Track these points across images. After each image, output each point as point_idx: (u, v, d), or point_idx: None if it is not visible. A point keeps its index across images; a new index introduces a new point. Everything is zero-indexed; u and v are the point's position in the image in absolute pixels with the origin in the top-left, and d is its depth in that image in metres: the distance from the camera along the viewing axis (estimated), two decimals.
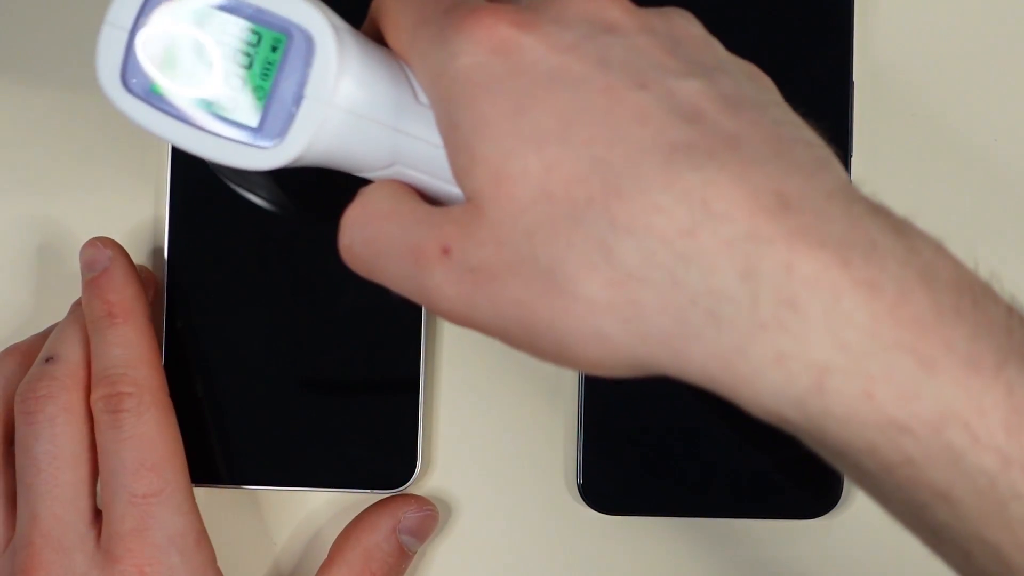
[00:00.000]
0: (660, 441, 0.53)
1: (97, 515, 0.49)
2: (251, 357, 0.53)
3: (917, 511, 0.35)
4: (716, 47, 0.40)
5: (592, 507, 0.53)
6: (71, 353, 0.50)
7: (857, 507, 0.53)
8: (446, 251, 0.38)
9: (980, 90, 0.54)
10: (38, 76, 0.54)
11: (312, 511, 0.54)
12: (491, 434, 0.54)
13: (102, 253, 0.51)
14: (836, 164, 0.38)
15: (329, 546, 0.52)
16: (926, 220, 0.54)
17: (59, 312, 0.52)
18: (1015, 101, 0.55)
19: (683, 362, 0.36)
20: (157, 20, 0.40)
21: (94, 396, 0.49)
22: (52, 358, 0.50)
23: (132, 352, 0.50)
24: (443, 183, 0.41)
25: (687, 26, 0.40)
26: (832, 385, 0.35)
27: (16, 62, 0.54)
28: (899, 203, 0.54)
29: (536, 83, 0.38)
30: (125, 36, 0.40)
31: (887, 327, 0.34)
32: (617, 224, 0.36)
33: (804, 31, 0.53)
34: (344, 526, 0.53)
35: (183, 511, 0.49)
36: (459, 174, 0.39)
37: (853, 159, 0.53)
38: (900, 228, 0.36)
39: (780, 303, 0.35)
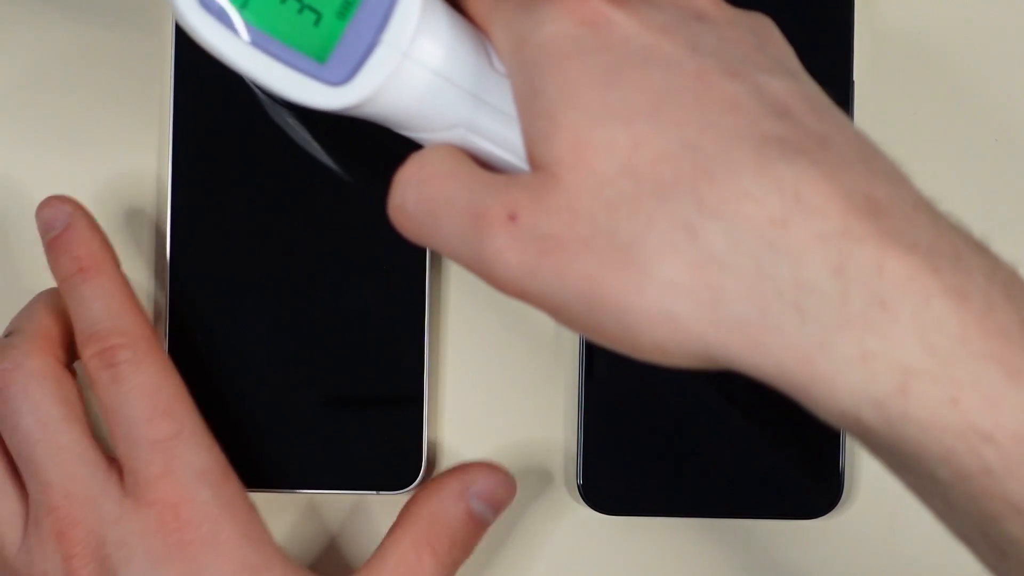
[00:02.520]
0: (660, 441, 0.53)
1: (110, 464, 0.48)
2: (253, 360, 0.52)
3: (986, 525, 0.35)
4: (793, 53, 0.41)
5: (592, 507, 0.53)
6: (29, 323, 0.49)
7: (857, 507, 0.53)
8: (513, 217, 0.38)
9: (981, 90, 0.54)
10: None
11: (317, 512, 0.54)
12: (492, 434, 0.54)
13: (60, 210, 0.50)
14: (911, 180, 0.38)
15: (336, 548, 0.52)
16: None
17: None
18: (1016, 102, 0.55)
19: (758, 353, 0.36)
20: None
21: (85, 356, 0.48)
22: (11, 333, 0.49)
23: (113, 303, 0.48)
24: (505, 152, 0.41)
25: (770, 28, 0.41)
26: (917, 388, 0.34)
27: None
28: None
29: (627, 60, 0.38)
30: None
31: (975, 336, 0.34)
32: (705, 207, 0.36)
33: (804, 31, 0.53)
34: (351, 528, 0.52)
35: (205, 446, 0.48)
36: (536, 140, 0.38)
37: None
38: (980, 245, 0.36)
39: (870, 302, 0.35)
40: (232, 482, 0.48)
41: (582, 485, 0.53)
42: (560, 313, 0.38)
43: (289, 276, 0.52)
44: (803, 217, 0.35)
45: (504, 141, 0.41)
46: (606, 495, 0.53)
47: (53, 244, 0.50)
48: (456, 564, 0.50)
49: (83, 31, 0.53)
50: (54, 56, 0.53)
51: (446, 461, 0.54)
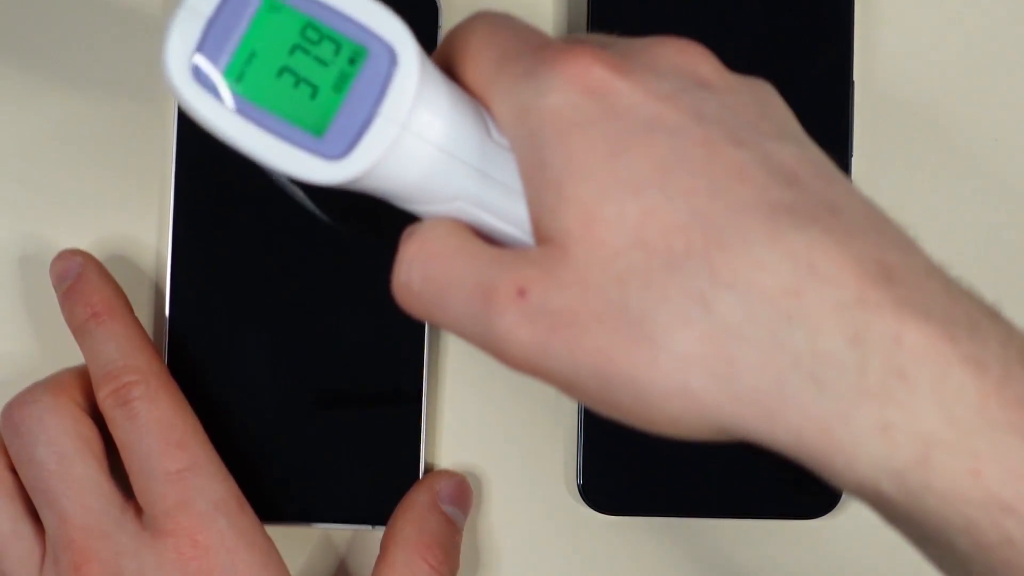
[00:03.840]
0: (660, 441, 0.52)
1: (126, 497, 0.49)
2: (252, 402, 0.52)
3: None
4: (795, 119, 0.40)
5: (592, 507, 0.53)
6: (51, 376, 0.51)
7: (856, 508, 0.53)
8: (522, 292, 0.37)
9: (981, 90, 0.54)
10: (43, 88, 0.54)
11: (320, 546, 0.54)
12: (492, 434, 0.54)
13: (72, 262, 0.51)
14: (921, 246, 0.37)
15: None
16: (926, 219, 0.54)
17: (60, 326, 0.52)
18: (1016, 102, 0.55)
19: (775, 425, 0.35)
20: (238, 12, 0.39)
21: (101, 396, 0.49)
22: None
23: (125, 343, 0.50)
24: (507, 225, 0.40)
25: (772, 95, 0.40)
26: (937, 459, 0.34)
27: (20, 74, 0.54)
28: (899, 202, 0.55)
29: (633, 129, 0.37)
30: (202, 24, 0.39)
31: (994, 405, 0.34)
32: (718, 277, 0.35)
33: (804, 31, 0.53)
34: (354, 561, 0.53)
35: (220, 478, 0.49)
36: (543, 213, 0.38)
37: (853, 159, 0.53)
38: (993, 312, 0.36)
39: (889, 372, 0.34)
40: (247, 512, 0.49)
41: (582, 485, 0.53)
42: (573, 388, 0.38)
43: (286, 303, 0.52)
44: (817, 286, 0.35)
45: (506, 214, 0.40)
46: (606, 495, 0.53)
47: (67, 295, 0.51)
48: (452, 574, 0.51)
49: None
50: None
51: (444, 462, 0.54)
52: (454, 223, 0.40)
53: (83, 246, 0.53)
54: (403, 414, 0.52)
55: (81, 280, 0.51)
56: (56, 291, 0.51)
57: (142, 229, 0.53)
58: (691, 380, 0.36)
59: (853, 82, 0.53)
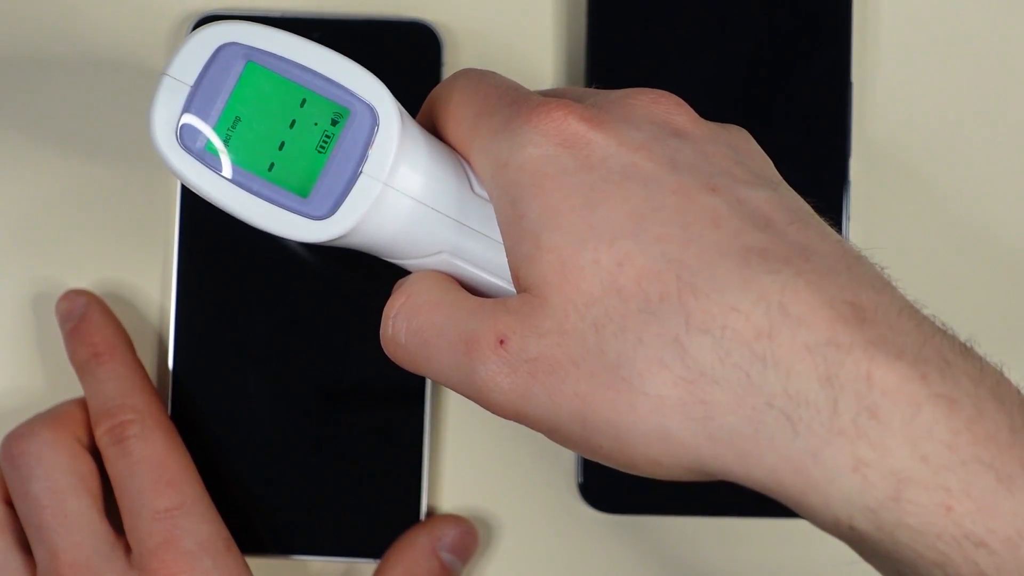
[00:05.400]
0: None
1: (117, 535, 0.49)
2: (249, 429, 0.53)
3: None
4: (771, 164, 0.41)
5: (592, 507, 0.53)
6: (52, 409, 0.51)
7: None
8: (502, 341, 0.38)
9: (981, 89, 0.54)
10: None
11: None
12: (492, 433, 0.54)
13: (76, 302, 0.52)
14: (895, 285, 0.38)
15: None
16: (925, 217, 0.54)
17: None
18: (1016, 101, 0.54)
19: (750, 465, 0.36)
20: (220, 78, 0.40)
21: (98, 433, 0.50)
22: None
23: (125, 383, 0.50)
24: (490, 276, 0.41)
25: (747, 141, 0.41)
26: (910, 495, 0.34)
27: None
28: (897, 202, 0.55)
29: (607, 178, 0.38)
30: (186, 91, 0.40)
31: (965, 442, 0.34)
32: (692, 321, 0.36)
33: (803, 32, 0.53)
34: None
35: (207, 519, 0.49)
36: (520, 263, 0.39)
37: (852, 159, 0.53)
38: (966, 349, 0.36)
39: (861, 411, 0.35)
40: (233, 553, 0.50)
41: (582, 484, 0.53)
42: (556, 433, 0.38)
43: (294, 361, 0.53)
44: (789, 328, 0.35)
45: (488, 264, 0.41)
46: (606, 495, 0.53)
47: (71, 334, 0.52)
48: None
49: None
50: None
51: (446, 461, 0.54)
52: (438, 275, 0.41)
53: (88, 285, 0.53)
54: (405, 443, 0.53)
55: (84, 320, 0.51)
56: (61, 329, 0.52)
57: (148, 266, 0.54)
58: (668, 422, 0.36)
59: (851, 83, 0.53)
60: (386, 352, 0.41)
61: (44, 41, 0.54)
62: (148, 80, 0.54)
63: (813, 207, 0.40)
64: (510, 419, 0.39)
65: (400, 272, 0.43)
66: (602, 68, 0.53)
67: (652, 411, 0.36)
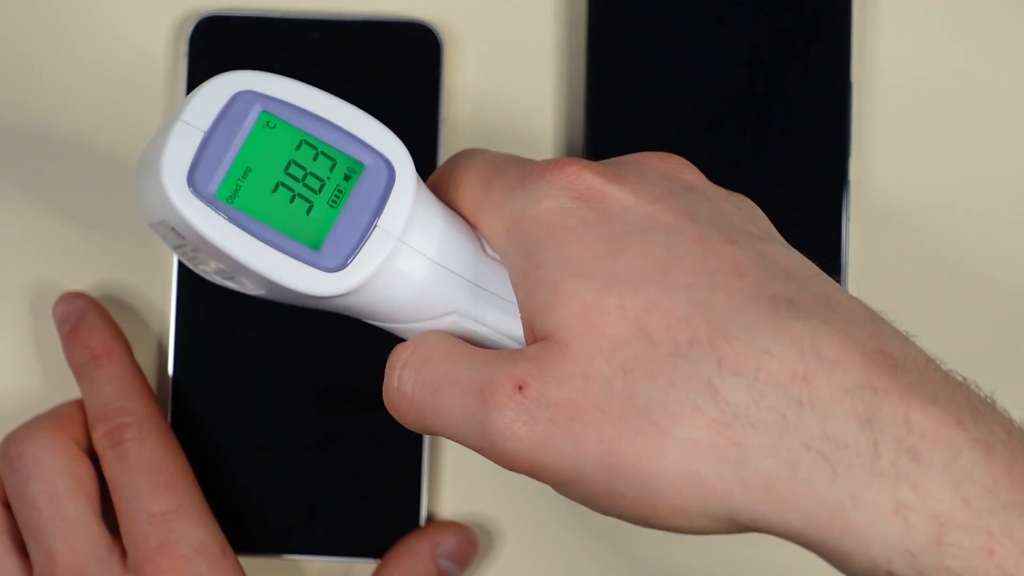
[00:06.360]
0: None
1: (113, 540, 0.49)
2: (251, 430, 0.53)
3: None
4: (776, 232, 0.41)
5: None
6: (51, 410, 0.51)
7: None
8: (521, 387, 0.37)
9: (981, 89, 0.54)
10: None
11: None
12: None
13: (74, 305, 0.52)
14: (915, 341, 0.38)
15: None
16: (924, 217, 0.54)
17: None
18: (1016, 101, 0.55)
19: (786, 509, 0.35)
20: (233, 128, 0.39)
21: (95, 436, 0.50)
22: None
23: (123, 386, 0.50)
24: (501, 336, 0.40)
25: (755, 207, 0.41)
26: (952, 539, 0.34)
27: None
28: (896, 200, 0.55)
29: (628, 229, 0.38)
30: (200, 137, 0.39)
31: (1005, 487, 0.34)
32: (724, 365, 0.36)
33: (803, 33, 0.53)
34: None
35: (203, 523, 0.49)
36: (538, 311, 0.38)
37: (852, 159, 0.53)
38: (990, 401, 0.36)
39: (900, 453, 0.35)
40: (229, 557, 0.49)
41: None
42: (575, 484, 0.37)
43: (294, 365, 0.53)
44: (825, 371, 0.35)
45: (500, 325, 0.40)
46: None
47: (68, 337, 0.52)
48: None
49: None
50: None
51: (447, 460, 0.54)
52: (444, 332, 0.40)
53: (87, 288, 0.53)
54: (405, 444, 0.53)
55: (82, 323, 0.51)
56: (59, 333, 0.52)
57: (148, 268, 0.54)
58: (701, 467, 0.36)
59: (851, 83, 0.53)
60: (389, 405, 0.40)
61: (44, 41, 0.54)
62: (148, 80, 0.54)
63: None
64: (523, 471, 0.38)
65: (395, 341, 0.42)
66: (602, 68, 0.53)
67: (683, 455, 0.36)
